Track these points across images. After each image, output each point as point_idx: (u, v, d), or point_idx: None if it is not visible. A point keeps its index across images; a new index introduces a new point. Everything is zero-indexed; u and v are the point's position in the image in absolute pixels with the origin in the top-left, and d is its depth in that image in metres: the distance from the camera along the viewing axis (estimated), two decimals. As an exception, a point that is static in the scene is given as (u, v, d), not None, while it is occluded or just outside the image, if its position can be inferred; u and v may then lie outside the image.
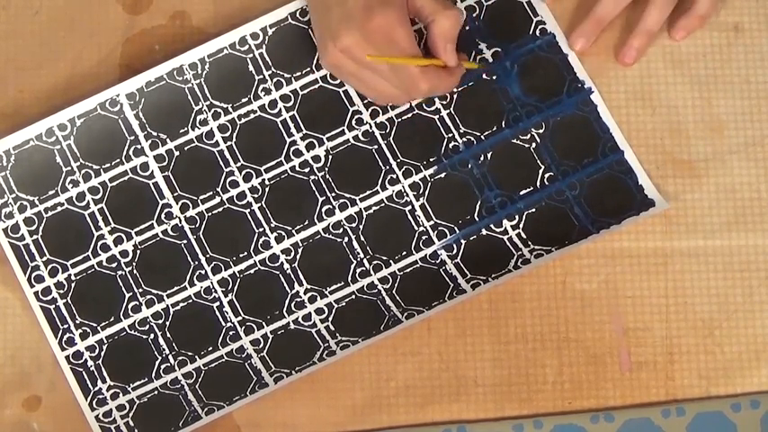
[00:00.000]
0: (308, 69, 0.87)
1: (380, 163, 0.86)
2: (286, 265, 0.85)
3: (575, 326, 0.85)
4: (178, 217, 0.86)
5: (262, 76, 0.87)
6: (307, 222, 0.86)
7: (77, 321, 0.85)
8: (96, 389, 0.85)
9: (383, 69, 0.79)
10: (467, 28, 0.88)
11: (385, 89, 0.81)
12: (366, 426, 0.85)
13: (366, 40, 0.77)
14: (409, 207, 0.86)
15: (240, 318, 0.85)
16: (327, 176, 0.86)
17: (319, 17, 0.81)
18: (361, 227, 0.86)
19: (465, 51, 0.86)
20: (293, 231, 0.86)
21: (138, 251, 0.86)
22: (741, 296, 0.85)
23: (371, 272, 0.85)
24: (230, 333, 0.85)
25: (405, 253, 0.85)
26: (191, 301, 0.85)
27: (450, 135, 0.87)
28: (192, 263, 0.86)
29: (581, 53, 0.87)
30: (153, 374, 0.85)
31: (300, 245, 0.86)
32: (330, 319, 0.85)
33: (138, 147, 0.86)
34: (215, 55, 0.87)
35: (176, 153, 0.86)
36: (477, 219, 0.86)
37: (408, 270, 0.85)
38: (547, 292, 0.85)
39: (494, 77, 0.87)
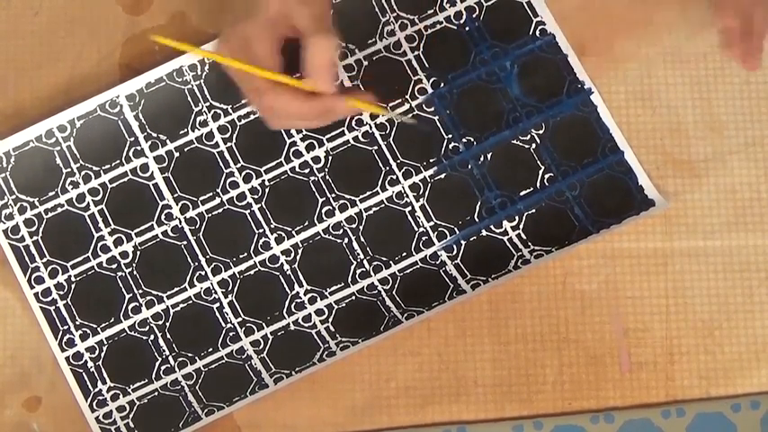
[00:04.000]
0: (308, 70, 0.87)
1: (380, 164, 0.86)
2: (286, 266, 0.85)
3: (575, 326, 0.85)
4: (178, 218, 0.86)
5: (261, 78, 0.87)
6: (307, 223, 0.86)
7: (77, 322, 0.85)
8: (96, 390, 0.85)
9: (240, 81, 0.79)
10: (466, 29, 0.88)
11: (256, 106, 0.81)
12: (366, 426, 0.85)
13: (227, 49, 0.77)
14: (409, 208, 0.86)
15: (240, 319, 0.85)
16: (327, 177, 0.86)
17: None
18: (361, 228, 0.86)
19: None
20: (293, 232, 0.86)
21: (138, 252, 0.86)
22: (741, 296, 0.85)
23: (371, 273, 0.85)
24: (230, 334, 0.85)
25: (405, 254, 0.85)
26: (191, 302, 0.85)
27: (450, 136, 0.87)
28: (191, 264, 0.86)
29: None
30: (153, 375, 0.85)
31: (300, 246, 0.86)
32: (330, 319, 0.85)
33: (138, 148, 0.86)
34: (215, 56, 0.87)
35: (176, 154, 0.86)
36: (477, 219, 0.86)
37: (408, 271, 0.85)
38: (547, 292, 0.85)
39: (493, 78, 0.87)
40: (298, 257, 0.86)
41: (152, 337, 0.85)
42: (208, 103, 0.87)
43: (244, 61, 0.76)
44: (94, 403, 0.85)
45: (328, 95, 0.78)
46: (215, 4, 0.89)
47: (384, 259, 0.85)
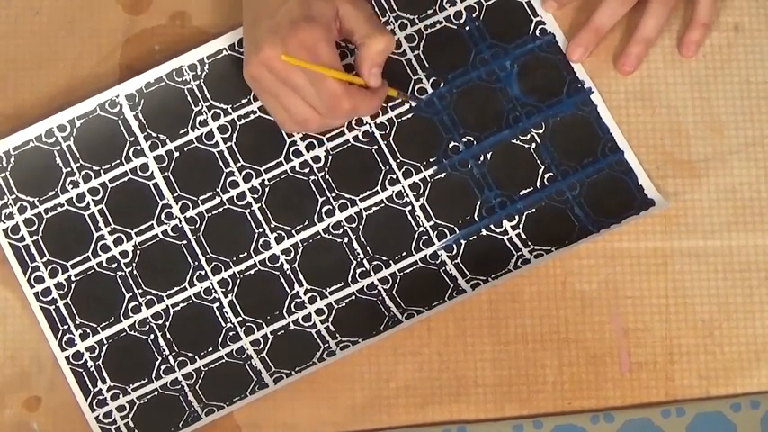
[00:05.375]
0: (308, 70, 0.87)
1: (380, 163, 0.86)
2: (286, 266, 0.85)
3: (575, 326, 0.85)
4: (178, 217, 0.86)
5: (261, 77, 0.87)
6: (307, 223, 0.86)
7: (77, 322, 0.85)
8: (96, 389, 0.85)
9: (303, 86, 0.79)
10: (466, 28, 0.88)
11: (300, 110, 0.80)
12: (366, 426, 0.85)
13: (288, 53, 0.77)
14: (409, 207, 0.86)
15: (240, 318, 0.85)
16: (327, 177, 0.86)
17: (248, 29, 0.81)
18: (361, 227, 0.86)
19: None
20: (293, 232, 0.86)
21: (138, 252, 0.86)
22: (741, 296, 0.85)
23: (371, 272, 0.85)
24: (230, 334, 0.85)
25: (405, 253, 0.85)
26: (191, 301, 0.85)
27: (449, 135, 0.87)
28: (191, 263, 0.86)
29: (579, 62, 0.87)
30: (153, 375, 0.85)
31: (300, 245, 0.86)
32: (330, 319, 0.85)
33: (138, 148, 0.86)
34: (214, 56, 0.87)
35: (176, 154, 0.86)
36: (477, 219, 0.86)
37: (408, 270, 0.85)
38: (547, 292, 0.85)
39: (493, 77, 0.87)
40: (298, 257, 0.86)
41: (152, 336, 0.85)
42: (208, 103, 0.87)
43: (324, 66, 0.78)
44: (94, 403, 0.85)
45: (380, 88, 0.82)
46: (215, 4, 0.89)
47: (384, 259, 0.85)
